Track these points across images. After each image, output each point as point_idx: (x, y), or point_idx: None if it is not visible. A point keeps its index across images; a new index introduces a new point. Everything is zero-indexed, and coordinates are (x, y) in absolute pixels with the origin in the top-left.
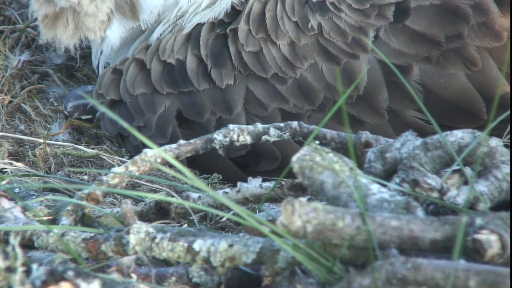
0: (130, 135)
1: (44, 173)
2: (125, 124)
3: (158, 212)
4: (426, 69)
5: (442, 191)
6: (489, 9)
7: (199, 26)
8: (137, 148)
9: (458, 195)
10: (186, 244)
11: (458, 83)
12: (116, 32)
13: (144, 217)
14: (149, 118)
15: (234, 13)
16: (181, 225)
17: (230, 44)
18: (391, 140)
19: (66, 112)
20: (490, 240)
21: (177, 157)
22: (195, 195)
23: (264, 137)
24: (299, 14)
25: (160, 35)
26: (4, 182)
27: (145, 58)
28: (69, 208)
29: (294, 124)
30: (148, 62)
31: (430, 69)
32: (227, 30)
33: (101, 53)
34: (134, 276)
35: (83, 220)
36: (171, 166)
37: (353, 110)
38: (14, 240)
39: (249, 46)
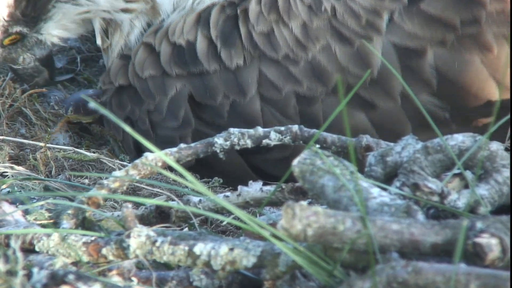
0: (138, 120)
1: (44, 177)
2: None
3: (159, 216)
4: (440, 53)
5: (442, 195)
6: None
7: (209, 7)
8: (146, 133)
9: (459, 199)
10: (186, 248)
11: (472, 68)
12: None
13: (145, 220)
14: (160, 101)
15: None
16: (182, 229)
17: (240, 24)
18: (391, 144)
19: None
20: (491, 243)
21: (178, 161)
22: (195, 199)
23: (264, 141)
24: None
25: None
26: (5, 186)
27: (153, 41)
28: (69, 211)
29: (295, 128)
30: (157, 45)
31: (444, 54)
32: (238, 11)
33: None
34: (135, 279)
35: (84, 223)
36: (172, 169)
37: (366, 94)
38: (15, 244)
39: (260, 27)
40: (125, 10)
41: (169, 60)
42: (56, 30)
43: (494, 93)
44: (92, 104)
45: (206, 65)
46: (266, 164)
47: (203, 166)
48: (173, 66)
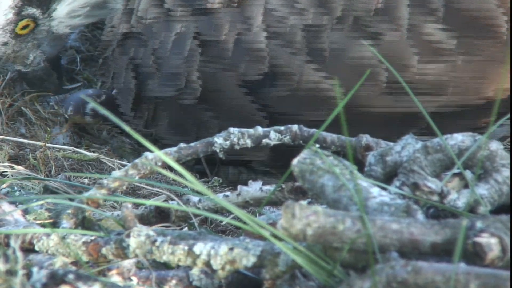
0: (142, 62)
1: (44, 177)
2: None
3: (159, 216)
4: None
5: (442, 195)
6: None
7: None
8: (151, 74)
9: (459, 199)
10: (186, 247)
11: None
12: None
13: (145, 220)
14: (164, 39)
15: None
16: (182, 229)
17: None
18: (391, 143)
19: (66, 116)
20: (491, 243)
21: (177, 160)
22: (195, 199)
23: (264, 141)
24: None
25: None
26: (4, 185)
27: None
28: (69, 211)
29: (295, 127)
30: None
31: None
32: None
33: None
34: (134, 279)
35: (84, 223)
36: (171, 169)
37: (371, 24)
38: (15, 243)
39: None
40: None
41: (172, 1)
42: (67, 16)
43: (502, 22)
44: (92, 104)
45: (210, 0)
46: (271, 101)
47: (209, 103)
48: (177, 5)
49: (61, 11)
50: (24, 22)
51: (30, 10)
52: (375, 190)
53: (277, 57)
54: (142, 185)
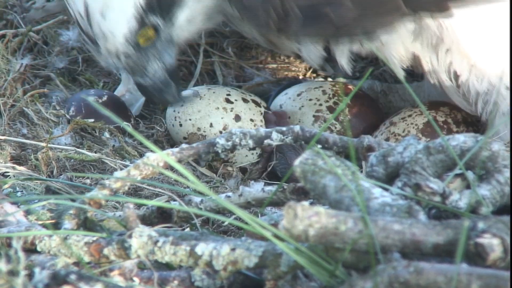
0: None
1: (46, 177)
2: (124, 125)
3: (161, 216)
4: None
5: (444, 195)
6: None
7: None
8: None
9: (460, 199)
10: (188, 248)
11: None
12: None
13: (147, 221)
14: None
15: None
16: (184, 229)
17: None
18: (393, 144)
19: (68, 116)
20: (492, 244)
21: (179, 161)
22: (197, 199)
23: (266, 141)
24: None
25: None
26: (6, 186)
27: None
28: (71, 212)
29: (297, 128)
30: None
31: None
32: None
33: None
34: (136, 280)
35: (86, 224)
36: (173, 169)
37: None
38: (17, 244)
39: None
40: None
41: None
42: (187, 22)
43: None
44: (94, 104)
45: None
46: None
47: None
48: None
49: (181, 17)
50: (145, 31)
51: (152, 18)
52: (377, 191)
53: None
54: (144, 186)
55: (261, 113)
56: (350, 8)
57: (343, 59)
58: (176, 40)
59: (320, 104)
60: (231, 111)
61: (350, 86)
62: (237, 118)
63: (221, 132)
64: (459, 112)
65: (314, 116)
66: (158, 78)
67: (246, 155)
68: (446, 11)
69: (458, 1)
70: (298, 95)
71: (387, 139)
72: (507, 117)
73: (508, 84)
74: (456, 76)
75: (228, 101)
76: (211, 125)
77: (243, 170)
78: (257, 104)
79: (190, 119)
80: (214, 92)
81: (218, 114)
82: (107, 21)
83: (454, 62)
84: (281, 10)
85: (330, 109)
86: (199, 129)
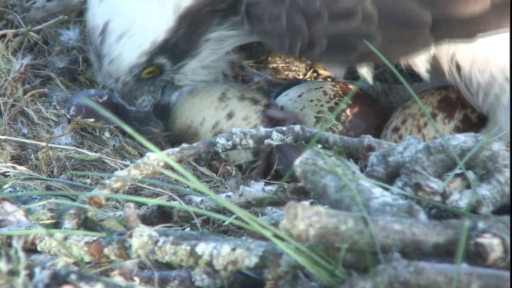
0: (307, 8)
1: (46, 177)
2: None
3: (161, 216)
4: None
5: (444, 195)
6: None
7: None
8: (317, 15)
9: (461, 199)
10: (188, 248)
11: None
12: None
13: (147, 220)
14: None
15: None
16: (184, 229)
17: None
18: (393, 144)
19: (68, 116)
20: (493, 244)
21: (179, 161)
22: (197, 199)
23: (266, 141)
24: None
25: None
26: (7, 185)
27: None
28: (71, 211)
29: (297, 128)
30: None
31: None
32: None
33: None
34: (136, 279)
35: (86, 223)
36: (173, 169)
37: None
38: (17, 244)
39: None
40: None
41: None
42: (193, 72)
43: None
44: (93, 105)
45: None
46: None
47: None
48: None
49: (190, 67)
50: (151, 69)
51: (162, 60)
52: (377, 191)
53: None
54: (144, 185)
55: (256, 112)
56: (378, 42)
57: (363, 70)
58: (177, 83)
59: (322, 105)
60: (224, 108)
61: (350, 86)
62: (230, 116)
63: (213, 129)
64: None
65: (315, 117)
66: (143, 109)
67: (239, 153)
68: (472, 39)
69: (485, 32)
70: (299, 96)
71: (403, 121)
72: (507, 116)
73: (509, 76)
74: (459, 68)
75: (221, 99)
76: (202, 122)
77: (239, 167)
78: (256, 102)
79: (181, 117)
80: (208, 90)
81: (210, 111)
82: (120, 46)
83: (457, 54)
84: (308, 39)
85: (332, 110)
86: (189, 126)
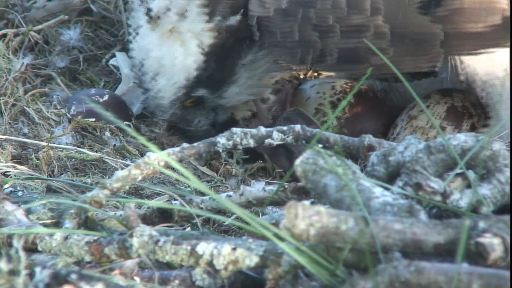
0: (317, 17)
1: (47, 176)
2: (125, 127)
3: (161, 216)
4: None
5: (445, 195)
6: None
7: None
8: (330, 31)
9: (461, 199)
10: (189, 247)
11: None
12: None
13: (147, 220)
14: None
15: None
16: (184, 229)
17: None
18: (394, 143)
19: (69, 116)
20: (493, 243)
21: (180, 161)
22: (198, 199)
23: (267, 141)
24: None
25: None
26: (7, 185)
27: None
28: (72, 211)
29: (297, 127)
30: None
31: None
32: None
33: None
34: (137, 279)
35: (86, 223)
36: (174, 168)
37: None
38: (17, 243)
39: None
40: None
41: None
42: (237, 94)
43: None
44: (93, 106)
45: None
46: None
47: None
48: None
49: (231, 92)
50: (192, 100)
51: (200, 92)
52: (378, 190)
53: None
54: (145, 185)
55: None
56: (390, 55)
57: None
58: (225, 105)
59: (324, 98)
60: None
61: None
62: None
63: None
64: (472, 95)
65: (316, 108)
66: (202, 128)
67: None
68: (482, 52)
69: (495, 47)
70: (311, 86)
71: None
72: (506, 115)
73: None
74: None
75: None
76: None
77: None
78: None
79: None
80: None
81: None
82: (157, 85)
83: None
84: (320, 51)
85: (332, 105)
86: None
